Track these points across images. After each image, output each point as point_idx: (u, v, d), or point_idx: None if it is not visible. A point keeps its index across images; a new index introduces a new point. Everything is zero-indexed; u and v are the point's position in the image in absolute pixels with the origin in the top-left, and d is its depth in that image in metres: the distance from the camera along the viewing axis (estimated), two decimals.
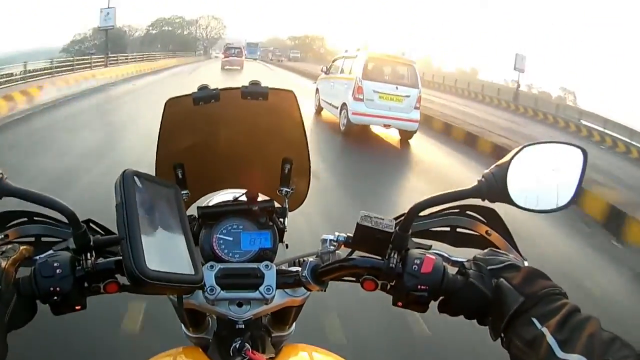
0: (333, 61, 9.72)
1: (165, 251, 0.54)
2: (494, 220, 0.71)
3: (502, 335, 0.51)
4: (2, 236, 0.66)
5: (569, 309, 0.47)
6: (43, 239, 0.69)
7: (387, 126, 8.05)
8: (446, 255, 0.63)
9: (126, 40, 45.76)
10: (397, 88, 8.03)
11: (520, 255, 0.66)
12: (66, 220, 0.55)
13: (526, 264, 0.57)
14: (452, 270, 0.58)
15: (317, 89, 10.28)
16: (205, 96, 0.67)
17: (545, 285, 0.50)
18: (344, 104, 8.09)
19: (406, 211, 0.59)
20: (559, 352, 0.44)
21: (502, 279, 0.53)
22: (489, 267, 0.55)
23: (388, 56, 8.29)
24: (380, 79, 8.15)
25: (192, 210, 0.74)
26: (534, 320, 0.48)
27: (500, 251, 0.59)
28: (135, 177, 0.54)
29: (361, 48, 8.79)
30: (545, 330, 0.46)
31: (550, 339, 0.45)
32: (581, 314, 0.47)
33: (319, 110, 10.06)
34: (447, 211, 0.72)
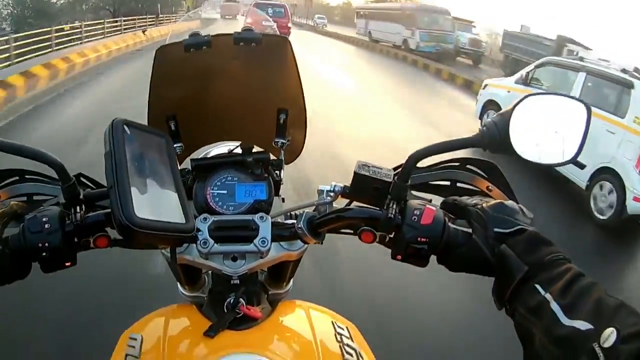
0: (538, 65, 5.79)
1: (155, 200, 0.52)
2: (495, 176, 0.68)
3: (507, 304, 0.50)
4: None
5: (573, 274, 0.46)
6: (35, 197, 0.68)
7: None
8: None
9: (51, 5, 20.35)
10: None
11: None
12: (57, 176, 0.55)
13: (531, 214, 0.55)
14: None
15: (485, 102, 6.38)
16: (196, 43, 0.65)
17: (549, 252, 0.49)
18: (609, 171, 4.45)
19: (404, 161, 0.57)
20: (563, 319, 0.43)
21: (505, 246, 0.51)
22: (495, 230, 0.53)
23: None
24: None
25: (187, 164, 0.73)
26: (538, 287, 0.46)
27: (510, 206, 0.55)
28: (124, 126, 0.53)
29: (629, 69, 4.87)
30: (549, 296, 0.45)
31: (554, 305, 0.44)
32: (585, 278, 0.46)
33: None
34: (447, 164, 0.70)
